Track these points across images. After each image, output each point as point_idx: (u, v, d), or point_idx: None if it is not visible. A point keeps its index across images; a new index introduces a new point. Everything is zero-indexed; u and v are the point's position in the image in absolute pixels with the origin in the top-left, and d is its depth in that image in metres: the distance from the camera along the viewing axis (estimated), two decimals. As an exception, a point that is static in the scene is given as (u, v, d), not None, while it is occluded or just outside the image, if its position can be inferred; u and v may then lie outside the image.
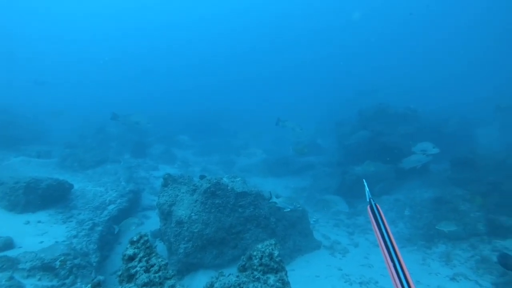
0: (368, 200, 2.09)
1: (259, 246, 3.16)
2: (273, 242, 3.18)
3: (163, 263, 2.81)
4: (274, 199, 6.80)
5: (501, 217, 8.34)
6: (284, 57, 56.02)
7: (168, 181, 7.31)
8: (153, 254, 2.87)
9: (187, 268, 6.55)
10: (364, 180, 2.61)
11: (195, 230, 6.26)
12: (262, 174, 15.63)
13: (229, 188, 6.76)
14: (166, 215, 6.81)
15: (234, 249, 6.60)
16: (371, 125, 12.58)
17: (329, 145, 18.13)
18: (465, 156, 10.14)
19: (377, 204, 1.98)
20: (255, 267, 3.05)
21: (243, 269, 3.17)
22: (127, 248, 2.83)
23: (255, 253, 3.10)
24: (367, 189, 2.39)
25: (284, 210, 6.98)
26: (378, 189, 11.29)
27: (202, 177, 7.80)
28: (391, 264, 1.49)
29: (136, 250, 2.80)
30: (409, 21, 47.90)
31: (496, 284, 6.47)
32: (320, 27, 55.42)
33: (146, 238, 2.90)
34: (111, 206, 8.99)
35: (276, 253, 3.07)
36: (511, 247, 7.65)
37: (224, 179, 7.75)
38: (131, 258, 2.77)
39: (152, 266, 2.76)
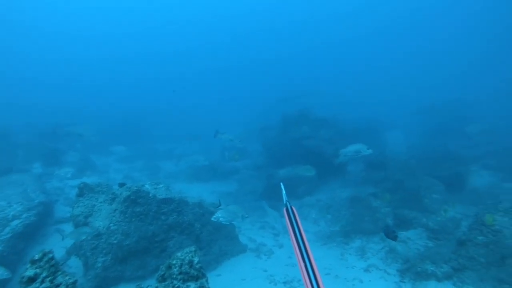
0: (284, 203, 2.20)
1: (179, 254, 3.09)
2: (193, 249, 3.13)
3: (70, 281, 2.59)
4: (220, 209, 6.46)
5: (404, 211, 9.40)
6: (209, 60, 56.02)
7: (83, 190, 6.76)
8: (59, 273, 2.62)
9: (106, 283, 6.11)
10: (281, 184, 2.74)
11: (115, 242, 5.88)
12: (188, 180, 15.38)
13: (151, 195, 6.50)
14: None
15: (157, 259, 6.35)
16: (294, 130, 13.21)
17: (254, 149, 18.56)
18: (376, 158, 11.21)
19: (292, 207, 2.09)
20: (174, 276, 2.97)
21: (162, 279, 3.07)
22: (26, 268, 2.55)
23: (174, 261, 3.02)
24: (284, 192, 2.52)
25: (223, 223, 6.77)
26: (301, 191, 11.86)
27: (121, 184, 7.38)
28: (302, 265, 1.57)
29: (38, 270, 2.53)
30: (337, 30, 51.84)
31: (400, 270, 7.25)
32: (244, 32, 56.49)
33: (50, 255, 2.64)
34: (15, 222, 7.96)
35: (196, 260, 3.03)
36: (412, 237, 8.66)
37: (146, 186, 7.44)
38: (32, 280, 2.49)
39: (58, 286, 2.52)
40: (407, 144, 15.99)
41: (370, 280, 7.07)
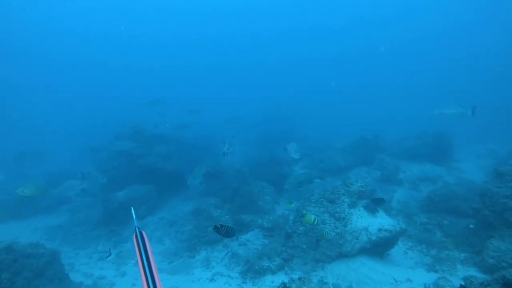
0: (134, 228, 2.13)
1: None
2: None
3: None
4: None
5: (242, 216, 10.11)
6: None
7: None
8: None
9: None
10: (132, 208, 2.60)
11: None
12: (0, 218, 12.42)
13: None
14: None
15: None
16: (128, 148, 12.48)
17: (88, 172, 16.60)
18: (212, 169, 11.71)
19: (142, 231, 2.05)
20: None
21: None
22: None
23: None
24: (134, 216, 2.41)
25: None
26: (142, 211, 11.25)
27: None
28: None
29: None
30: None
31: (241, 272, 7.71)
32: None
33: None
34: None
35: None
36: (251, 238, 9.38)
37: None
38: None
39: None
40: (242, 153, 17.38)
41: (215, 288, 7.24)
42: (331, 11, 50.22)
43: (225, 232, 5.20)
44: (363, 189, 8.14)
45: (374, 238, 7.10)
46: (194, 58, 52.38)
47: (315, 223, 6.67)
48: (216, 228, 5.16)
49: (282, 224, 9.87)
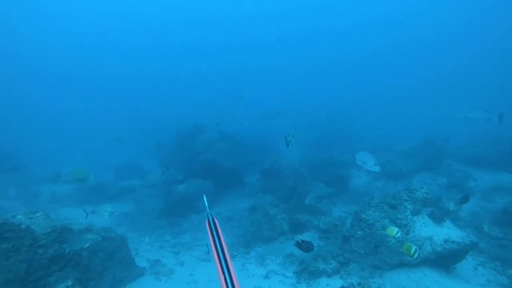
0: (207, 215, 2.17)
1: (51, 291, 2.72)
2: (70, 283, 2.80)
3: None
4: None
5: (299, 216, 10.10)
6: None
7: None
8: None
9: None
10: (204, 196, 2.68)
11: (-27, 290, 4.86)
12: (77, 203, 13.84)
13: (23, 227, 5.60)
14: None
15: (34, 301, 5.47)
16: (188, 144, 13.09)
17: (151, 167, 17.78)
18: (270, 167, 11.85)
19: (214, 219, 2.08)
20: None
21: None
22: None
23: (45, 301, 2.64)
24: (206, 204, 2.48)
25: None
26: (201, 205, 11.76)
27: (-14, 218, 6.23)
28: (222, 278, 1.56)
29: None
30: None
31: (296, 272, 7.71)
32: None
33: None
34: None
35: (72, 295, 2.71)
36: (306, 239, 9.32)
37: (19, 216, 6.43)
38: None
39: None
40: (299, 153, 17.34)
41: (269, 286, 7.33)
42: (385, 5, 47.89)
43: (305, 247, 5.42)
44: (428, 196, 7.67)
45: (439, 249, 6.67)
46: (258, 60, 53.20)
47: (398, 235, 6.11)
48: (298, 244, 5.39)
49: (339, 227, 9.69)
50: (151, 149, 15.71)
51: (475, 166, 13.18)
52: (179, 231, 10.94)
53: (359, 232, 7.61)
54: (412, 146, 14.97)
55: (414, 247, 5.41)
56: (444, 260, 6.79)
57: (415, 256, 5.41)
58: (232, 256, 9.36)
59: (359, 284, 5.28)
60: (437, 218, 7.26)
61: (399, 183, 13.06)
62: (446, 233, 6.91)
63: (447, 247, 6.62)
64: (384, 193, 8.98)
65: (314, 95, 36.36)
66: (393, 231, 5.85)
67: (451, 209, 7.98)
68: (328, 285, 6.99)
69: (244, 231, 10.10)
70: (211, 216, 2.14)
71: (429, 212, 7.44)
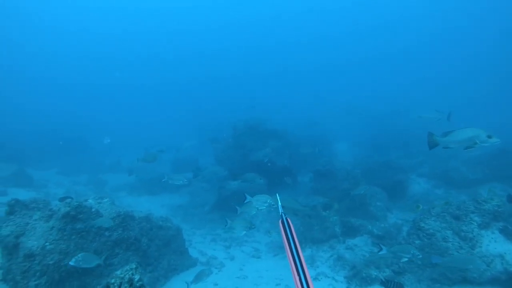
0: (280, 214, 2.16)
1: (118, 272, 2.93)
2: (133, 266, 3.00)
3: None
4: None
5: (351, 219, 9.79)
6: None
7: (15, 207, 6.19)
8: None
9: (38, 310, 5.60)
10: (277, 195, 2.68)
11: (51, 262, 5.43)
12: (137, 193, 14.83)
13: (93, 210, 6.14)
14: (11, 249, 5.72)
15: (99, 278, 5.96)
16: (243, 141, 13.32)
17: (207, 162, 18.37)
18: (323, 168, 11.63)
19: (288, 219, 2.06)
20: (113, 296, 2.82)
21: (100, 300, 2.90)
22: None
23: (113, 280, 2.86)
24: (279, 203, 2.44)
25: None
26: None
27: (63, 199, 6.93)
28: (297, 278, 1.59)
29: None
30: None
31: (347, 277, 7.51)
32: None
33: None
34: None
35: (136, 277, 2.90)
36: (359, 243, 9.02)
37: (90, 200, 7.07)
38: None
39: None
40: (353, 154, 16.82)
41: (318, 289, 7.23)
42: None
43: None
44: (500, 209, 6.99)
45: None
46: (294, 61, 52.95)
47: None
48: (383, 283, 5.35)
49: (394, 234, 9.24)
50: (207, 143, 16.25)
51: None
52: (231, 226, 11.18)
53: (416, 242, 7.18)
54: (483, 153, 13.73)
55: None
56: (517, 281, 6.16)
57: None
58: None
59: (416, 297, 4.97)
60: (511, 234, 6.60)
61: (462, 192, 12.08)
62: (520, 252, 6.26)
63: (521, 266, 6.00)
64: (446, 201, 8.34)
65: (367, 93, 35.21)
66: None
67: None
68: (380, 294, 6.70)
69: (294, 229, 10.01)
70: (285, 215, 2.11)
71: (501, 227, 6.78)
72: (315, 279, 7.69)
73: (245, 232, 7.15)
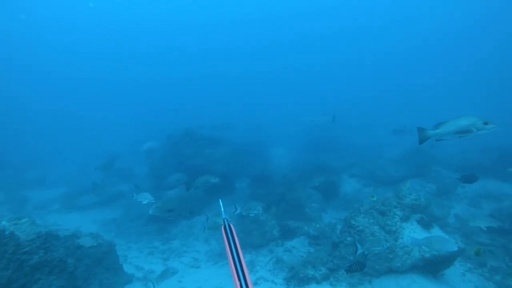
0: (223, 219, 2.15)
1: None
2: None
3: None
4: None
5: (289, 222, 10.05)
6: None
7: None
8: None
9: None
10: (220, 201, 2.62)
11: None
12: (65, 209, 13.61)
13: (7, 233, 5.46)
14: None
15: (16, 310, 5.31)
16: (179, 149, 13.00)
17: (140, 171, 17.55)
18: (261, 173, 11.81)
19: (230, 224, 2.05)
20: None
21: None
22: None
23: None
24: (222, 209, 2.41)
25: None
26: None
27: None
28: (238, 284, 1.62)
29: None
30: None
31: (286, 278, 7.66)
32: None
33: None
34: None
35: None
36: (296, 245, 9.29)
37: (3, 222, 6.28)
38: None
39: None
40: (289, 159, 17.34)
41: (258, 293, 7.27)
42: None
43: (359, 267, 5.71)
44: (417, 203, 7.71)
45: (427, 255, 6.69)
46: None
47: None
48: (347, 270, 5.77)
49: (328, 233, 9.67)
50: (142, 153, 15.56)
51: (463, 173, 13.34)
52: (168, 237, 10.81)
53: (348, 239, 7.59)
54: (402, 153, 15.09)
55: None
56: (433, 266, 6.81)
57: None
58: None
59: (347, 291, 5.24)
60: (426, 224, 7.31)
61: (389, 189, 13.13)
62: (435, 240, 6.94)
63: (435, 253, 6.64)
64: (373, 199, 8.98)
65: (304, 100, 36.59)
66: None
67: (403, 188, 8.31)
68: (317, 292, 6.95)
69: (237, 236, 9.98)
70: (227, 221, 2.10)
71: (418, 219, 7.47)
72: (255, 284, 7.71)
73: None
